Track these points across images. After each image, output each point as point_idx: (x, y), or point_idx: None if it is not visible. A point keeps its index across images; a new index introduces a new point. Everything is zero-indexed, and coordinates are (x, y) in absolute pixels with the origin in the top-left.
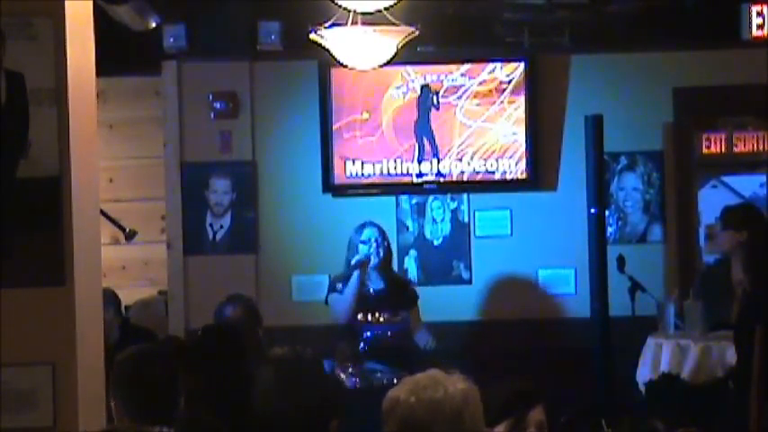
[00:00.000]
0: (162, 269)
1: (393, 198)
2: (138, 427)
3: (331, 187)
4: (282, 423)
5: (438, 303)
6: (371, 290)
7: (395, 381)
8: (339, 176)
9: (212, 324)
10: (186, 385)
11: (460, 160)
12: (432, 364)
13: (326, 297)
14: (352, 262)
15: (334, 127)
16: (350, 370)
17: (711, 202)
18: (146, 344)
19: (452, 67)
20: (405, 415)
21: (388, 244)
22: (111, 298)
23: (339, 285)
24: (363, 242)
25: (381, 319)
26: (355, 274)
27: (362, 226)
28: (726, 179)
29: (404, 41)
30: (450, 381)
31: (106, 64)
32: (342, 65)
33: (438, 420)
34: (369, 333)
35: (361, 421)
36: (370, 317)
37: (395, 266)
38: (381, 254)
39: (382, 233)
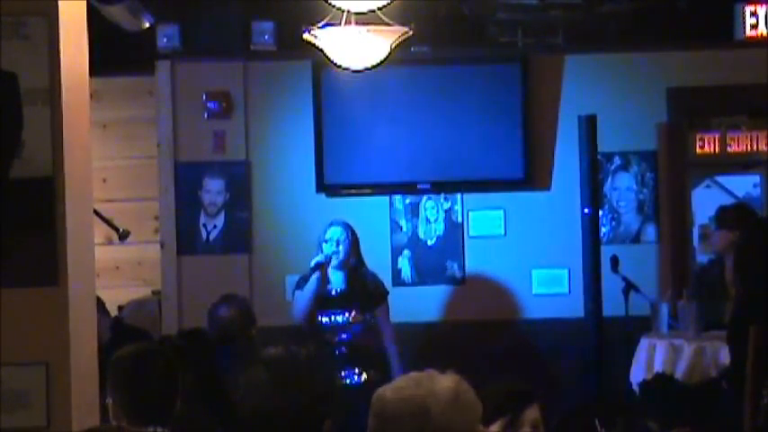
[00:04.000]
0: (155, 269)
1: (387, 198)
2: (134, 427)
3: (324, 187)
4: (276, 423)
5: (431, 303)
6: (334, 290)
7: (360, 380)
8: (332, 176)
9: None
10: (182, 386)
11: (454, 160)
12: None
13: (293, 294)
14: (311, 264)
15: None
16: None
17: (705, 202)
18: (141, 343)
19: (446, 67)
20: (379, 410)
21: (356, 242)
22: None
23: (303, 284)
24: (325, 241)
25: (342, 322)
26: (314, 275)
27: (330, 224)
28: (719, 179)
29: (397, 41)
30: (432, 379)
31: (100, 64)
32: (335, 65)
33: (405, 415)
34: (330, 334)
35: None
36: (330, 318)
37: (388, 266)
38: (343, 254)
39: (347, 232)
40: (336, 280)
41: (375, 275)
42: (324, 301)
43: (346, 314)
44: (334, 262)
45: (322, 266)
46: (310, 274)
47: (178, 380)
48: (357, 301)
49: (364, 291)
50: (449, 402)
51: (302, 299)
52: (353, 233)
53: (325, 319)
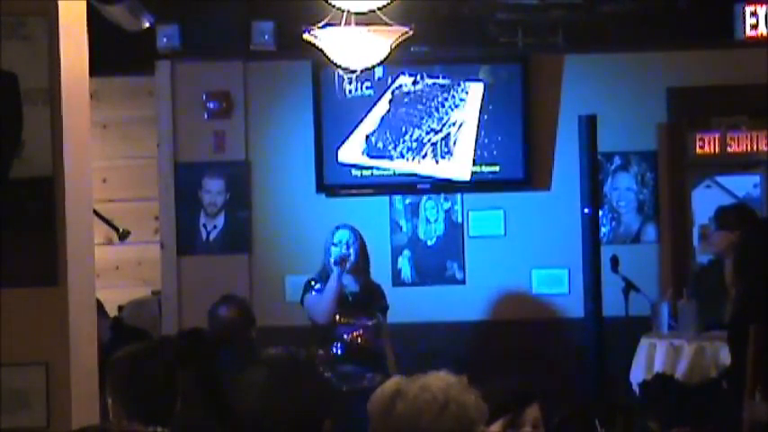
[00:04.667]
0: (155, 269)
1: (387, 198)
2: (134, 426)
3: (324, 187)
4: (276, 423)
5: (432, 304)
6: (348, 294)
7: (370, 383)
8: (332, 176)
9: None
10: (182, 386)
11: (454, 160)
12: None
13: (302, 298)
14: (331, 260)
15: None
16: (326, 373)
17: (705, 202)
18: (142, 343)
19: (446, 66)
20: (384, 412)
21: (364, 248)
22: None
23: (317, 285)
24: (334, 244)
25: (357, 324)
26: (335, 270)
27: (336, 228)
28: (719, 179)
29: (397, 42)
30: (435, 380)
31: (99, 64)
32: (335, 65)
33: (420, 418)
34: (345, 335)
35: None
36: (346, 319)
37: (388, 266)
38: (354, 256)
39: (356, 236)
40: (349, 284)
41: (379, 286)
42: (339, 304)
43: (361, 317)
44: (348, 263)
45: (342, 262)
46: (329, 270)
47: (177, 380)
48: (368, 304)
49: (372, 297)
50: (460, 404)
51: (326, 297)
52: (361, 237)
53: (340, 322)
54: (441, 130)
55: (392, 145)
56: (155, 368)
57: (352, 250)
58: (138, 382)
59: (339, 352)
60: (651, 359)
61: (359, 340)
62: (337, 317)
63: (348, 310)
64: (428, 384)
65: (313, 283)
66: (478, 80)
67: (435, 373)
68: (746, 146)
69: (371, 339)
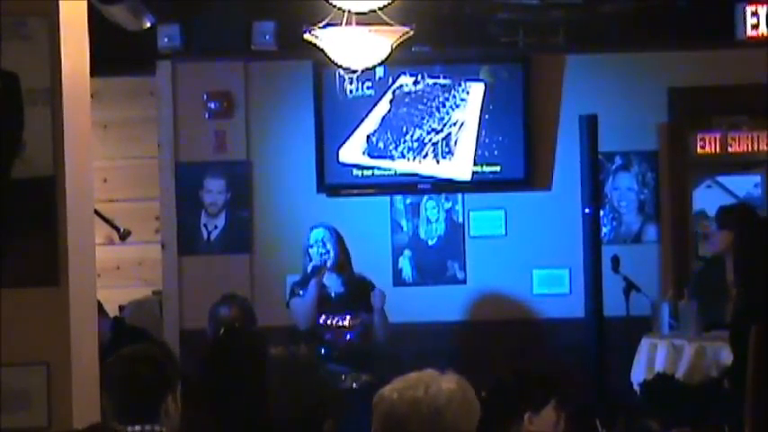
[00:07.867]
0: (156, 269)
1: (387, 198)
2: (122, 426)
3: (325, 187)
4: (278, 422)
5: (432, 304)
6: (332, 293)
7: (354, 384)
8: (333, 176)
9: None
10: (185, 387)
11: (455, 160)
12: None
13: (288, 301)
14: (308, 270)
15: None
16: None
17: (706, 202)
18: (136, 345)
19: (447, 66)
20: (386, 412)
21: (342, 243)
22: None
23: (299, 290)
24: (311, 245)
25: (342, 324)
26: (313, 281)
27: (311, 229)
28: (720, 179)
29: (398, 41)
30: (436, 380)
31: (100, 64)
32: (336, 65)
33: (416, 418)
34: (329, 336)
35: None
36: (330, 321)
37: (389, 266)
38: (333, 255)
39: (332, 233)
40: (333, 283)
41: (365, 278)
42: (323, 304)
43: (346, 317)
44: (328, 264)
45: (320, 269)
46: (309, 279)
47: (166, 379)
48: (355, 302)
49: (362, 292)
50: (459, 404)
51: (303, 306)
52: (338, 233)
53: (324, 322)
54: (441, 130)
55: (393, 145)
56: (144, 370)
57: (330, 247)
58: (128, 384)
59: (325, 352)
60: (652, 359)
61: (343, 341)
62: (323, 317)
63: (333, 311)
64: (437, 387)
65: (296, 289)
66: (479, 80)
67: (435, 373)
68: (747, 146)
69: (356, 339)
